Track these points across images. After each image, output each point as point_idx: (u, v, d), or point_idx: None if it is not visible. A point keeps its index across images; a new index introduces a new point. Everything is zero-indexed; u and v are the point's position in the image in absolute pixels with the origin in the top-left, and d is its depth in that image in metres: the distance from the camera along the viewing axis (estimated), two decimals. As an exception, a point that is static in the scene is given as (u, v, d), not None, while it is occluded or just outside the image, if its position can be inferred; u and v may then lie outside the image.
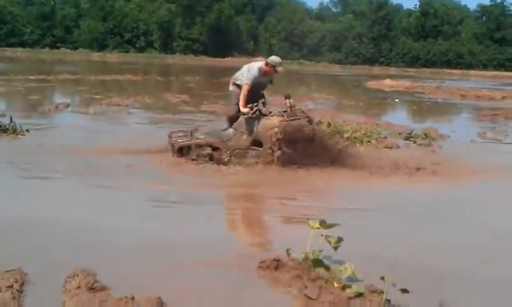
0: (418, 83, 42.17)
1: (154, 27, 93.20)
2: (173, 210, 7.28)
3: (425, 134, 13.81)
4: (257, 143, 9.86)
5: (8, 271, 4.61)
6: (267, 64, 10.15)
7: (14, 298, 4.25)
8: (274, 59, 10.31)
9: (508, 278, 5.36)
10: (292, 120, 9.64)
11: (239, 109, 10.05)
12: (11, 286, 4.39)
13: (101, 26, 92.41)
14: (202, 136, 10.30)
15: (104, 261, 5.12)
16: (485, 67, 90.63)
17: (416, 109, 25.90)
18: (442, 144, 13.28)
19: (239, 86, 10.25)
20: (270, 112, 10.04)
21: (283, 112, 9.81)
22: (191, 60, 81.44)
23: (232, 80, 10.57)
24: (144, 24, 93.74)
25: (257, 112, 9.81)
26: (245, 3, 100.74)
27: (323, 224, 5.23)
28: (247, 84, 9.98)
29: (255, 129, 9.83)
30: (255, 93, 10.09)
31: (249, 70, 10.18)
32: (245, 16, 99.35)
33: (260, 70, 10.11)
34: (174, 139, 10.31)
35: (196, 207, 7.50)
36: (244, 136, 9.94)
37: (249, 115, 9.79)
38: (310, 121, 9.97)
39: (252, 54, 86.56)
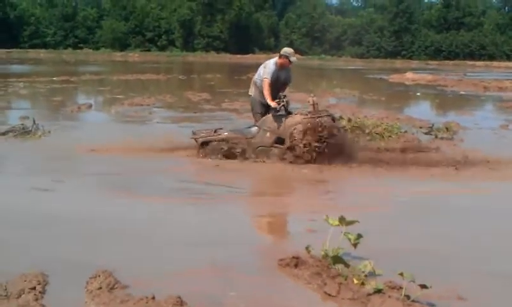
0: (441, 76, 41.79)
1: (175, 25, 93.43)
2: (195, 208, 7.33)
3: (447, 128, 13.69)
4: (280, 141, 9.89)
5: (30, 273, 4.68)
6: (280, 56, 10.24)
7: (37, 299, 4.32)
8: (286, 49, 10.51)
9: None
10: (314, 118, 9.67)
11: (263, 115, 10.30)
12: (34, 288, 4.46)
13: (123, 26, 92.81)
14: (226, 133, 10.38)
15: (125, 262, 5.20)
16: (508, 58, 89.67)
17: (438, 102, 25.72)
18: (464, 138, 13.18)
19: (259, 89, 10.38)
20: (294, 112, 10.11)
21: (308, 112, 9.81)
22: (212, 57, 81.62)
23: (252, 83, 10.72)
24: (165, 23, 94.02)
25: (284, 106, 9.90)
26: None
27: (342, 221, 5.24)
28: (266, 78, 10.08)
29: (281, 127, 9.87)
30: (277, 89, 10.14)
31: (265, 66, 10.31)
32: (265, 13, 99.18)
33: (275, 63, 10.20)
34: (197, 135, 10.41)
35: (219, 203, 7.56)
36: (268, 134, 9.99)
37: (277, 108, 9.87)
38: (334, 120, 9.99)
39: (273, 50, 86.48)
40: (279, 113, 9.94)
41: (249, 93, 10.80)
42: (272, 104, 9.91)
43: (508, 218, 7.16)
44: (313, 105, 9.77)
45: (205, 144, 10.27)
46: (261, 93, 10.37)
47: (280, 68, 10.24)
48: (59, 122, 14.72)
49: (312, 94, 10.19)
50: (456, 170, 9.63)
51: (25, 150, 10.94)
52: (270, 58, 11.02)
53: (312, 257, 5.16)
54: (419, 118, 16.07)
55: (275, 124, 9.95)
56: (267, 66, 10.26)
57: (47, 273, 4.76)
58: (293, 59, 10.30)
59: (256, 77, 10.57)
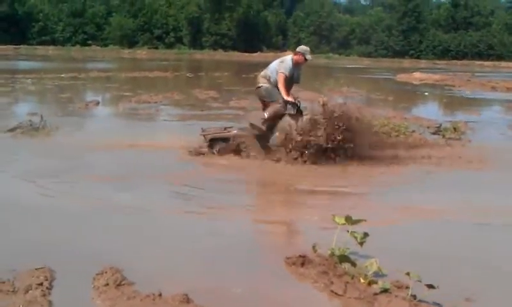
0: (449, 76, 41.62)
1: (183, 22, 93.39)
2: (199, 208, 7.34)
3: (455, 128, 13.62)
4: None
5: (37, 269, 4.71)
6: (296, 53, 10.22)
7: (44, 295, 4.34)
8: (303, 47, 10.50)
9: None
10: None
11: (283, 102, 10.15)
12: (41, 283, 4.48)
13: (131, 23, 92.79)
14: (235, 131, 10.35)
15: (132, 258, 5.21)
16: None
17: (445, 102, 25.65)
18: (472, 138, 13.13)
19: (272, 82, 10.23)
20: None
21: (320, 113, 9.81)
22: (220, 55, 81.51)
23: (261, 77, 10.44)
24: (173, 20, 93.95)
25: (299, 103, 9.93)
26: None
27: (349, 220, 5.24)
28: (283, 73, 10.00)
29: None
30: (289, 87, 10.11)
31: (283, 61, 10.22)
32: (273, 11, 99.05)
33: (292, 60, 10.17)
34: (207, 132, 10.40)
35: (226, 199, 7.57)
36: (277, 133, 9.99)
37: (295, 103, 9.93)
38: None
39: (281, 48, 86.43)
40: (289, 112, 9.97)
41: (260, 84, 10.35)
42: (290, 99, 9.92)
43: None
44: (323, 105, 9.75)
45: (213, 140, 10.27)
46: (275, 85, 10.20)
47: (295, 65, 10.23)
48: (66, 119, 14.72)
49: (322, 95, 10.19)
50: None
51: (31, 147, 10.93)
52: (278, 57, 10.99)
53: (318, 256, 5.17)
54: (427, 118, 16.04)
55: (284, 123, 9.95)
56: (285, 62, 10.18)
57: (54, 269, 4.78)
58: (309, 57, 10.29)
59: (268, 72, 10.30)
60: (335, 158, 9.50)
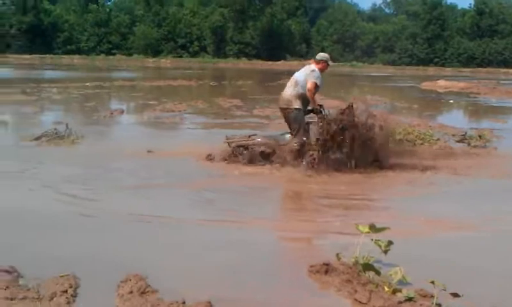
0: (473, 83, 41.30)
1: (207, 32, 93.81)
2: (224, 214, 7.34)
3: (480, 136, 13.52)
4: None
5: (62, 276, 4.74)
6: (319, 62, 10.15)
7: (68, 302, 4.36)
8: (324, 54, 10.55)
9: None
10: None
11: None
12: (66, 291, 4.50)
13: (155, 32, 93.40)
14: (259, 139, 10.35)
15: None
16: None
17: (470, 109, 25.48)
18: (498, 146, 13.00)
19: (303, 98, 10.09)
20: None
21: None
22: (243, 64, 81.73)
23: (294, 97, 10.11)
24: (197, 29, 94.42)
25: (323, 111, 9.99)
26: (297, 6, 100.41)
27: (373, 228, 5.21)
28: (315, 82, 9.91)
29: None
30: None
31: (313, 70, 10.08)
32: (297, 19, 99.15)
33: (318, 69, 10.12)
34: (231, 140, 10.42)
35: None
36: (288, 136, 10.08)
37: (323, 111, 9.96)
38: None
39: (304, 56, 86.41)
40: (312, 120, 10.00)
41: (293, 106, 10.06)
42: (318, 107, 9.97)
43: None
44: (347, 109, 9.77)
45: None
46: (304, 104, 10.10)
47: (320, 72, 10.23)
48: (91, 127, 14.82)
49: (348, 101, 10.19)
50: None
51: (56, 155, 11.00)
52: (302, 65, 10.94)
53: (342, 264, 5.13)
54: (452, 126, 15.91)
55: (310, 132, 9.99)
56: (316, 71, 10.04)
57: (78, 276, 4.80)
58: (330, 62, 10.35)
59: (300, 89, 10.02)
60: (358, 167, 9.49)
